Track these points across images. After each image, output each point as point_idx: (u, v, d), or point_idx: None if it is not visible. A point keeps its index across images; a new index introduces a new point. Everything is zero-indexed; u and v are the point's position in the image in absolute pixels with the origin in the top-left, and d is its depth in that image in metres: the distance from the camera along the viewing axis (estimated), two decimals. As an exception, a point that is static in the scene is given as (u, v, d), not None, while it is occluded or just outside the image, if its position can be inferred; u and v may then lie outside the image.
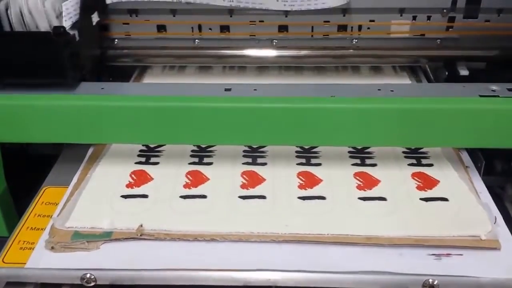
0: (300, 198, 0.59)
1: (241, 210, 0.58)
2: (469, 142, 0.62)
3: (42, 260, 0.52)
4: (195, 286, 0.51)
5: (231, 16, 0.77)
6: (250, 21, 0.77)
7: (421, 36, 0.78)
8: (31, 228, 0.57)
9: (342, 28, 0.77)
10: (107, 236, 0.54)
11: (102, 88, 0.65)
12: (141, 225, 0.55)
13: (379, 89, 0.65)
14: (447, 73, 0.77)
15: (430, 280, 0.49)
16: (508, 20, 0.76)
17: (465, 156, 0.66)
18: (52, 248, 0.53)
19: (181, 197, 0.60)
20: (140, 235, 0.54)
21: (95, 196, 0.60)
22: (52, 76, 0.63)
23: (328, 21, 0.77)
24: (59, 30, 0.60)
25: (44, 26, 0.63)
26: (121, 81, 0.79)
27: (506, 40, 0.77)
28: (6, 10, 0.62)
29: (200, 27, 0.78)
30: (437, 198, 0.59)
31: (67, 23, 0.62)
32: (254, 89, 0.64)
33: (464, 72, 0.75)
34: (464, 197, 0.59)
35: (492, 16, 0.76)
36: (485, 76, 0.74)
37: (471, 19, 0.76)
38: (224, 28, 0.78)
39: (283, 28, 0.78)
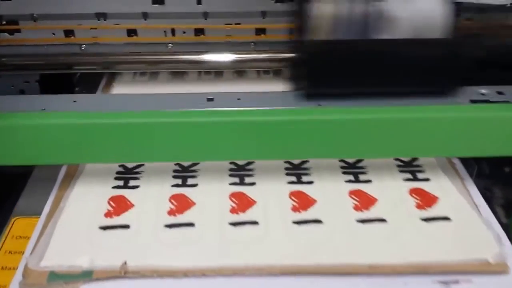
0: (295, 222, 0.53)
1: (233, 239, 0.51)
2: (463, 151, 0.57)
3: (17, 305, 0.44)
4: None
5: (206, 19, 0.69)
6: (225, 24, 0.70)
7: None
8: (2, 267, 0.49)
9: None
10: (88, 276, 0.46)
11: (74, 101, 0.57)
12: (125, 262, 0.47)
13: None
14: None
15: (441, 311, 0.44)
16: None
17: (459, 165, 0.61)
18: (27, 291, 0.45)
19: (166, 226, 0.52)
20: (124, 273, 0.47)
21: (71, 229, 0.52)
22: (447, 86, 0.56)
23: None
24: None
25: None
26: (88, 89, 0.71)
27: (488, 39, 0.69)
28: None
29: (173, 31, 0.70)
30: (438, 218, 0.53)
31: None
32: (238, 98, 0.56)
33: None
34: (466, 215, 0.54)
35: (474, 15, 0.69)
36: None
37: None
38: (199, 32, 0.70)
39: (260, 31, 0.70)
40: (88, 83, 0.73)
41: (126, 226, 0.52)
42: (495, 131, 0.54)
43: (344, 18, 0.53)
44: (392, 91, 0.56)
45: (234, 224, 0.52)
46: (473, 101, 0.57)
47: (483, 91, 0.59)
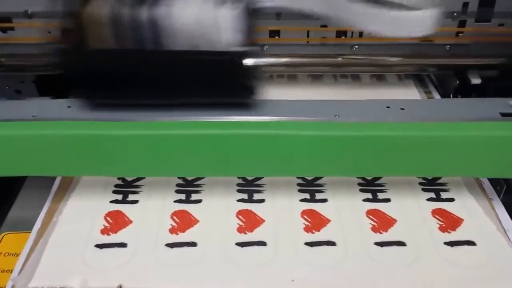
0: (307, 244, 0.50)
1: (239, 261, 0.48)
2: (494, 172, 0.53)
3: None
4: None
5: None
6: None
7: (429, 42, 0.68)
8: (-12, 287, 0.47)
9: (341, 33, 0.67)
10: (80, 298, 0.44)
11: (69, 107, 0.54)
12: (120, 286, 0.45)
13: (388, 107, 0.55)
14: (457, 82, 0.68)
15: None
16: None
17: (486, 183, 0.58)
18: (14, 315, 0.43)
19: (167, 245, 0.49)
20: None
21: (64, 246, 0.49)
22: (236, 97, 0.52)
23: (326, 26, 0.67)
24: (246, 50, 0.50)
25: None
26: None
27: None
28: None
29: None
30: (463, 242, 0.50)
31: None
32: None
33: (476, 80, 0.66)
34: (493, 239, 0.50)
35: (507, 20, 0.67)
36: (497, 84, 0.67)
37: (483, 23, 0.67)
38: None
39: (274, 33, 0.67)
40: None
41: (123, 245, 0.50)
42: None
43: (122, 25, 0.49)
44: (182, 102, 0.52)
45: (241, 244, 0.50)
46: (503, 114, 0.54)
47: (514, 103, 0.56)
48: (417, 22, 0.55)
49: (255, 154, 0.50)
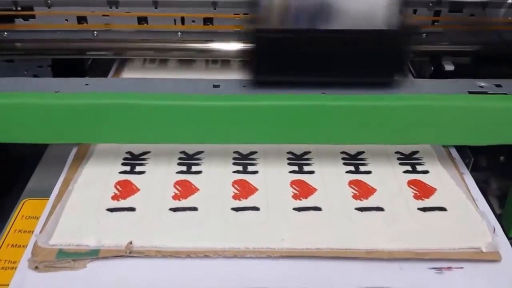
0: (295, 209, 0.56)
1: (235, 223, 0.54)
2: (460, 140, 0.60)
3: (26, 280, 0.48)
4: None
5: (214, 9, 0.72)
6: (234, 14, 0.73)
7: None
8: (12, 245, 0.53)
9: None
10: (94, 254, 0.50)
11: (87, 84, 0.60)
12: (131, 242, 0.51)
13: (368, 86, 0.61)
14: (432, 68, 0.74)
15: (432, 295, 0.47)
16: (492, 14, 0.74)
17: (458, 159, 0.64)
18: (36, 267, 0.49)
19: (170, 209, 0.56)
20: (129, 253, 0.50)
21: (79, 210, 0.56)
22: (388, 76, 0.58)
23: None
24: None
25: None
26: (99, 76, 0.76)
27: (490, 34, 0.75)
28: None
29: (183, 20, 0.73)
30: (435, 208, 0.57)
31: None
32: (244, 86, 0.59)
33: (449, 67, 0.73)
34: (462, 206, 0.57)
35: (477, 10, 0.74)
36: (470, 71, 0.72)
37: (456, 13, 0.74)
38: (208, 21, 0.73)
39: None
40: (99, 69, 0.77)
41: (132, 209, 0.56)
42: (492, 121, 0.57)
43: (293, 8, 0.55)
44: (338, 81, 0.58)
45: (236, 209, 0.56)
46: (471, 93, 0.59)
47: (481, 83, 0.61)
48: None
49: (251, 124, 0.57)
